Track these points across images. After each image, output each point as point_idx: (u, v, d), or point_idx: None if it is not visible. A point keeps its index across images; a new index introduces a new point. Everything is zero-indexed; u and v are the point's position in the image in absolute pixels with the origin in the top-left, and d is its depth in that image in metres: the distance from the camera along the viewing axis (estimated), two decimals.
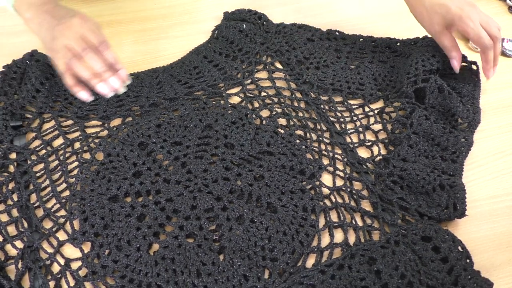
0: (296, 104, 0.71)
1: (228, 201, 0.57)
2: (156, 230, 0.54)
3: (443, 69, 0.72)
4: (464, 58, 0.73)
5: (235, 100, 0.72)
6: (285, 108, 0.69)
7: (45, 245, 0.53)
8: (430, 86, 0.67)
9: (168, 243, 0.53)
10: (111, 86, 0.63)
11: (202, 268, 0.51)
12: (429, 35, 0.74)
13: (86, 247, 0.53)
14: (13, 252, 0.53)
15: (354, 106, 0.71)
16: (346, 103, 0.71)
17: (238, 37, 0.79)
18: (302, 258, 0.53)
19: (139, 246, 0.52)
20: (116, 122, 0.67)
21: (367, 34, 0.82)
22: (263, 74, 0.76)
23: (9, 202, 0.57)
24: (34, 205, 0.57)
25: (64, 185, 0.59)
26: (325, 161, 0.63)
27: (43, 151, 0.63)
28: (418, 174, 0.58)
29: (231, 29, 0.80)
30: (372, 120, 0.69)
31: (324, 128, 0.68)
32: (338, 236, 0.55)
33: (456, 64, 0.70)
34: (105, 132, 0.66)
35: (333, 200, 0.59)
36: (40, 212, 0.56)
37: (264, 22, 0.83)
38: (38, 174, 0.60)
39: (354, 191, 0.59)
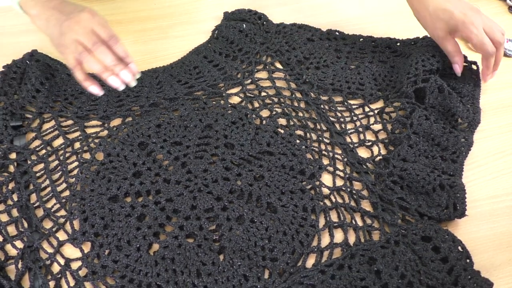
0: (296, 104, 0.71)
1: (228, 201, 0.57)
2: (156, 230, 0.54)
3: (443, 69, 0.72)
4: (464, 58, 0.73)
5: (235, 100, 0.72)
6: (285, 108, 0.69)
7: (45, 245, 0.53)
8: (430, 86, 0.67)
9: (168, 243, 0.53)
10: (123, 79, 0.63)
11: (202, 268, 0.51)
12: (429, 35, 0.74)
13: (86, 247, 0.53)
14: (13, 252, 0.53)
15: (354, 106, 0.71)
16: (346, 103, 0.71)
17: (238, 37, 0.79)
18: (302, 258, 0.53)
19: (139, 246, 0.52)
20: (116, 122, 0.67)
21: (367, 34, 0.82)
22: (263, 74, 0.76)
23: (9, 202, 0.57)
24: (34, 205, 0.57)
25: (64, 185, 0.59)
26: (325, 161, 0.63)
27: (43, 151, 0.63)
28: (418, 174, 0.58)
29: (231, 29, 0.80)
30: (372, 120, 0.69)
31: (324, 128, 0.68)
32: (338, 236, 0.55)
33: (458, 69, 0.71)
34: (105, 132, 0.66)
35: (333, 200, 0.59)
36: (40, 212, 0.56)
37: (264, 22, 0.83)
38: (38, 174, 0.60)
39: (354, 191, 0.59)
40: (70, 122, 0.67)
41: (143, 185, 0.58)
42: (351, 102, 0.72)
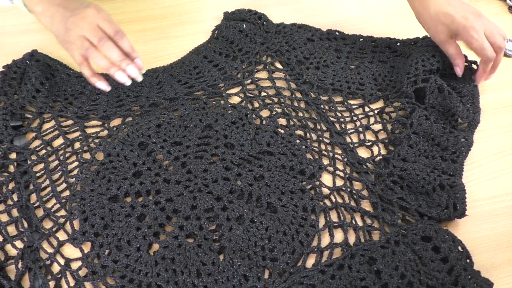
0: (296, 104, 0.71)
1: (228, 201, 0.57)
2: (156, 230, 0.54)
3: (443, 69, 0.72)
4: (464, 57, 0.73)
5: (235, 100, 0.72)
6: (285, 108, 0.69)
7: (45, 245, 0.53)
8: (430, 86, 0.67)
9: (168, 243, 0.53)
10: (129, 74, 0.63)
11: (202, 268, 0.51)
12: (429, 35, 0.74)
13: (86, 247, 0.53)
14: (13, 252, 0.53)
15: (354, 106, 0.71)
16: (346, 103, 0.71)
17: (238, 37, 0.79)
18: (302, 258, 0.53)
19: (139, 246, 0.52)
20: (116, 122, 0.67)
21: (367, 34, 0.82)
22: (263, 74, 0.76)
23: (9, 202, 0.57)
24: (34, 205, 0.57)
25: (64, 185, 0.59)
26: (325, 161, 0.63)
27: (43, 151, 0.63)
28: (418, 174, 0.58)
29: (231, 29, 0.80)
30: (372, 120, 0.69)
31: (324, 128, 0.68)
32: (338, 236, 0.55)
33: (459, 71, 0.71)
34: (105, 132, 0.66)
35: (333, 200, 0.59)
36: (40, 212, 0.56)
37: (264, 22, 0.83)
38: (38, 174, 0.60)
39: (354, 191, 0.59)
40: (70, 122, 0.67)
41: (143, 185, 0.58)
42: (351, 102, 0.72)
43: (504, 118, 0.70)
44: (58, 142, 0.64)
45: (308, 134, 0.66)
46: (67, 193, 0.58)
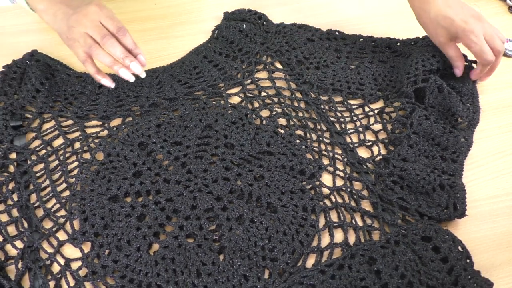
0: (296, 104, 0.71)
1: (228, 201, 0.57)
2: (156, 230, 0.54)
3: (443, 69, 0.72)
4: (464, 57, 0.73)
5: (235, 100, 0.72)
6: (285, 108, 0.69)
7: (45, 245, 0.53)
8: (430, 86, 0.67)
9: (168, 243, 0.53)
10: (133, 71, 0.62)
11: (202, 268, 0.51)
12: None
13: (86, 247, 0.53)
14: (13, 252, 0.53)
15: (354, 106, 0.71)
16: (346, 103, 0.71)
17: (238, 37, 0.79)
18: (302, 258, 0.53)
19: (139, 246, 0.52)
20: (116, 122, 0.67)
21: (367, 34, 0.82)
22: (263, 74, 0.76)
23: (9, 202, 0.57)
24: (34, 205, 0.57)
25: (64, 185, 0.59)
26: (325, 161, 0.63)
27: (43, 151, 0.63)
28: (418, 174, 0.58)
29: (231, 29, 0.80)
30: (372, 120, 0.69)
31: (324, 128, 0.68)
32: (338, 236, 0.55)
33: (459, 73, 0.71)
34: (105, 132, 0.66)
35: (333, 200, 0.59)
36: (40, 212, 0.56)
37: (264, 22, 0.83)
38: (38, 174, 0.60)
39: (354, 191, 0.59)
40: (70, 122, 0.67)
41: (143, 185, 0.58)
42: (351, 102, 0.72)
43: (504, 118, 0.70)
44: (58, 142, 0.64)
45: (308, 134, 0.66)
46: (67, 193, 0.58)
